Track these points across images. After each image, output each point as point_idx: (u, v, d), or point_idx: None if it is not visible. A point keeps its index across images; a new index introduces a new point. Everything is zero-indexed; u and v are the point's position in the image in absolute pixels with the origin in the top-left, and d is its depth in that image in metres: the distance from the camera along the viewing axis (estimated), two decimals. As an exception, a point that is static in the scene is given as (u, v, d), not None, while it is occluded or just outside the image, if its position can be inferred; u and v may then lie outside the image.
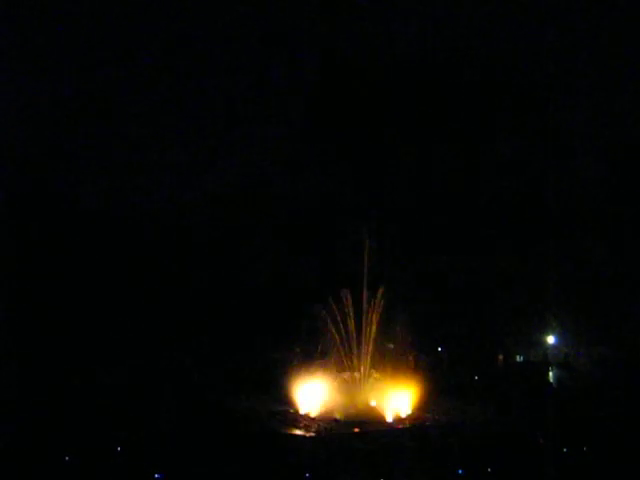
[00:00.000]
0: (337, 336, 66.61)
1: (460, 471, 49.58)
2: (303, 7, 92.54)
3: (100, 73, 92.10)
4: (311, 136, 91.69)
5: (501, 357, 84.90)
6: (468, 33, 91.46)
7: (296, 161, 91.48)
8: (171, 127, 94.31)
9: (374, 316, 67.95)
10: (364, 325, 67.78)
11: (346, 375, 65.93)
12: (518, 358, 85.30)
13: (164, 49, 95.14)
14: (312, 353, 66.37)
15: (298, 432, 56.32)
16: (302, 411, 61.89)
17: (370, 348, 67.41)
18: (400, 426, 58.22)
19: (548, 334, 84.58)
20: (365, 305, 68.17)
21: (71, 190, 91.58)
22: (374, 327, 67.72)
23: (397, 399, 60.42)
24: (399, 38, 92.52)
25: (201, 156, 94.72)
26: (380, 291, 68.11)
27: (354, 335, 67.50)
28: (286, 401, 64.21)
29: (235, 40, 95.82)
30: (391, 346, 70.20)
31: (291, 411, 62.70)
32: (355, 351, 67.39)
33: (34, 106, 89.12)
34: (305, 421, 59.34)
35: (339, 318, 66.98)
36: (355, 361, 67.16)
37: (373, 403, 62.25)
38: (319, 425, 57.57)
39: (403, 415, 59.82)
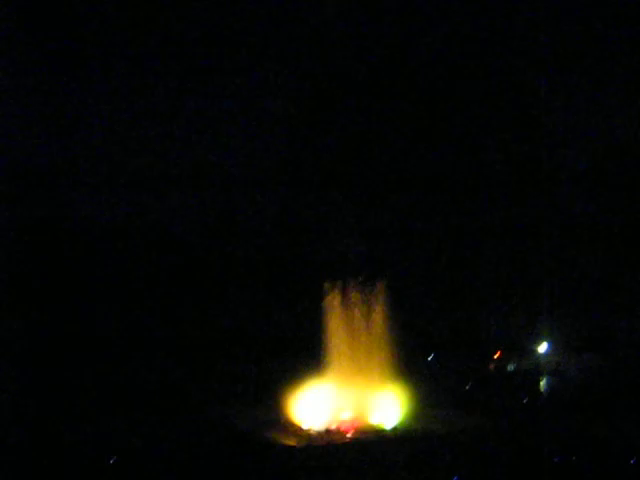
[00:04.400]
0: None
1: (454, 480, 49.49)
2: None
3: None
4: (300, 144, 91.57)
5: (492, 366, 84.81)
6: (461, 39, 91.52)
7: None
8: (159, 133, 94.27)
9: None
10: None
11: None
12: (509, 367, 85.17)
13: (152, 58, 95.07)
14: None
15: (289, 442, 55.89)
16: (294, 420, 61.49)
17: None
18: (393, 435, 57.99)
19: (539, 342, 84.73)
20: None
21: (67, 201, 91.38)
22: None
23: (390, 408, 60.17)
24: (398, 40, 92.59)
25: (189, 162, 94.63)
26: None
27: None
28: (277, 410, 63.76)
29: (223, 46, 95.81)
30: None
31: (282, 420, 62.26)
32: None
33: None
34: (297, 431, 58.96)
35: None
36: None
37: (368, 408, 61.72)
38: (311, 435, 57.22)
39: (396, 424, 59.57)
